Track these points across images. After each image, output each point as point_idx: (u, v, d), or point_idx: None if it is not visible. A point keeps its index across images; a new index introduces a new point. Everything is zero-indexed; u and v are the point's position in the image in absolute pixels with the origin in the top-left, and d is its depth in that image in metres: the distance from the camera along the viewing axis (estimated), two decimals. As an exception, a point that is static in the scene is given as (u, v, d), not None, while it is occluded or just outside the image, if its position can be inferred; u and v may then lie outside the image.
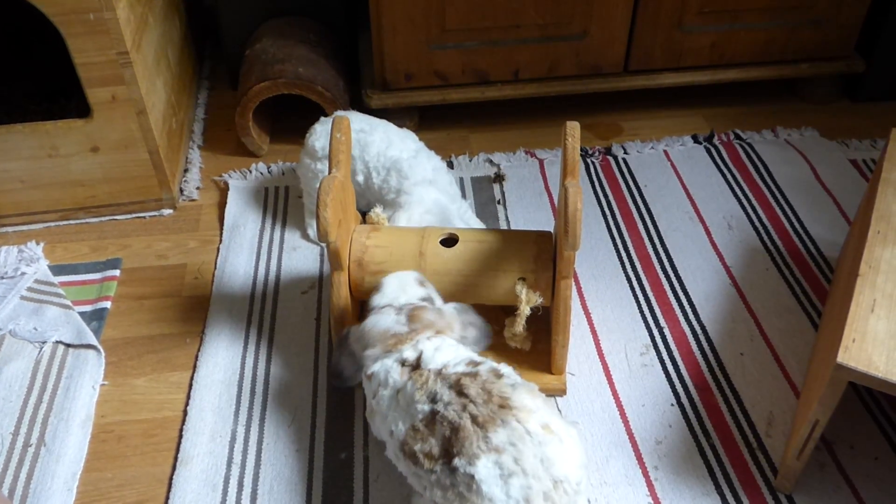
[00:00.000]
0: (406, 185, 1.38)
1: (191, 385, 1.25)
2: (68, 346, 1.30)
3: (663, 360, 1.27)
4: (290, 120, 1.75)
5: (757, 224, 1.52)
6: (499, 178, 1.64)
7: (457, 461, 0.87)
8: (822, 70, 1.76)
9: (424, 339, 0.99)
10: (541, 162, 1.68)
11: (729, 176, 1.63)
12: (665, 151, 1.70)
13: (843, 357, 0.92)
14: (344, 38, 1.83)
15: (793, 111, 1.82)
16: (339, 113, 1.47)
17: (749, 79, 1.75)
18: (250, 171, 1.66)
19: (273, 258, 1.46)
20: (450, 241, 1.20)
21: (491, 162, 1.68)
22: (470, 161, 1.68)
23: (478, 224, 1.46)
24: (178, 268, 1.46)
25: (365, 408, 1.04)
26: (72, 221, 1.55)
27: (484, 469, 0.86)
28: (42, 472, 1.13)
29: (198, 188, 1.63)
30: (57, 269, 1.44)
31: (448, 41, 1.61)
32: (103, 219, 1.56)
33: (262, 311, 1.36)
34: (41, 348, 1.29)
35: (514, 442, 0.87)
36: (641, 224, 1.52)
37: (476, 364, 0.96)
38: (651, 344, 1.30)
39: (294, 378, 1.25)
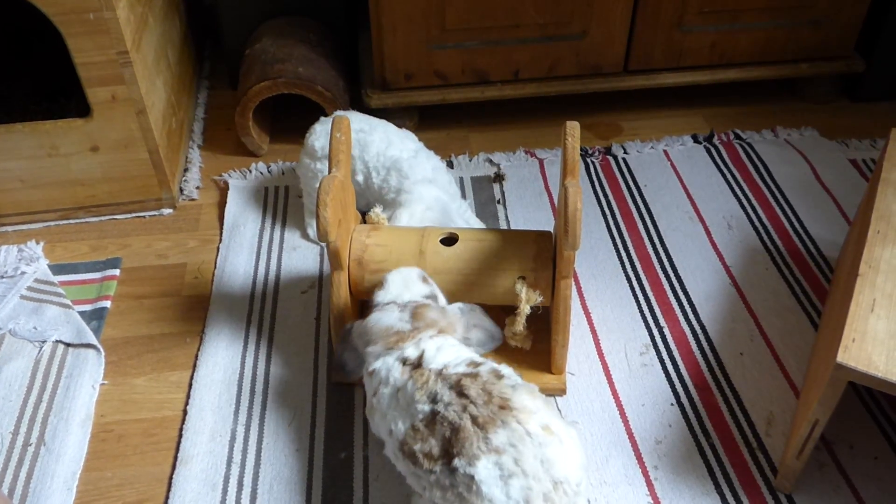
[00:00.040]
0: (406, 184, 1.38)
1: (190, 384, 1.25)
2: (68, 345, 1.30)
3: (663, 360, 1.27)
4: (290, 120, 1.75)
5: (757, 224, 1.52)
6: (499, 177, 1.64)
7: (457, 462, 0.87)
8: (822, 70, 1.76)
9: (427, 338, 0.99)
10: (541, 161, 1.68)
11: (729, 176, 1.63)
12: (665, 151, 1.70)
13: (842, 357, 0.92)
14: (344, 37, 1.83)
15: (793, 111, 1.82)
16: (339, 113, 1.47)
17: (749, 78, 1.75)
18: (250, 171, 1.66)
19: (273, 258, 1.46)
20: (450, 240, 1.20)
21: (491, 162, 1.68)
22: (470, 161, 1.68)
23: (478, 224, 1.46)
24: (177, 267, 1.46)
25: (365, 406, 1.04)
26: (72, 221, 1.55)
27: (484, 470, 0.86)
28: (42, 471, 1.13)
29: (198, 188, 1.63)
30: (57, 269, 1.44)
31: (448, 41, 1.61)
32: (103, 218, 1.56)
33: (262, 310, 1.36)
34: (41, 347, 1.29)
35: (515, 443, 0.86)
36: (641, 224, 1.52)
37: (477, 365, 0.96)
38: (651, 343, 1.30)
39: (294, 377, 1.25)
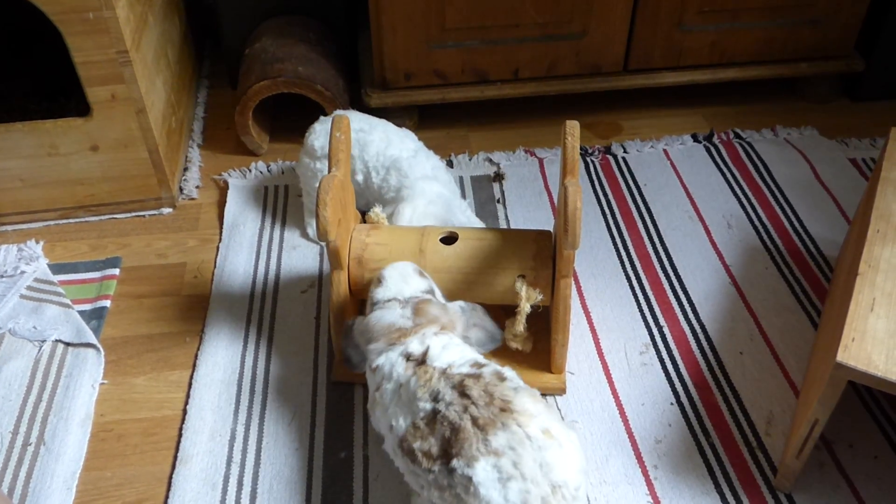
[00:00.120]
0: (407, 180, 1.38)
1: (190, 384, 1.25)
2: (68, 344, 1.30)
3: (663, 359, 1.27)
4: (290, 119, 1.75)
5: (756, 223, 1.52)
6: (498, 177, 1.64)
7: (455, 462, 0.87)
8: (822, 69, 1.76)
9: (431, 335, 0.99)
10: (540, 161, 1.68)
11: (728, 175, 1.63)
12: (665, 150, 1.70)
13: (842, 356, 0.92)
14: (344, 37, 1.83)
15: (792, 110, 1.82)
16: (339, 112, 1.47)
17: (749, 78, 1.75)
18: (250, 170, 1.66)
19: (273, 257, 1.46)
20: (449, 239, 1.20)
21: (490, 161, 1.68)
22: (469, 160, 1.68)
23: (477, 223, 1.46)
24: (177, 266, 1.46)
25: (366, 402, 1.04)
26: (71, 220, 1.55)
27: (482, 472, 0.86)
28: (41, 470, 1.13)
29: (197, 187, 1.63)
30: (56, 268, 1.44)
31: (448, 40, 1.61)
32: (103, 217, 1.56)
33: (262, 309, 1.36)
34: (41, 347, 1.29)
35: (514, 446, 0.86)
36: (641, 223, 1.52)
37: (480, 366, 0.95)
38: (650, 343, 1.30)
39: (293, 377, 1.25)
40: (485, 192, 1.60)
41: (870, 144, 1.70)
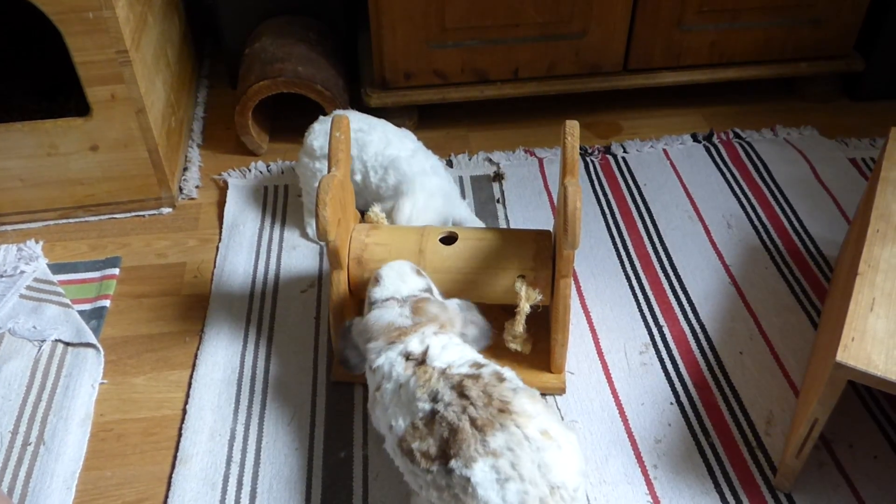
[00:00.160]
0: (405, 177, 1.37)
1: (190, 384, 1.25)
2: (67, 344, 1.30)
3: (662, 359, 1.27)
4: (290, 119, 1.75)
5: (756, 223, 1.52)
6: (498, 176, 1.64)
7: (453, 463, 0.87)
8: (822, 69, 1.76)
9: (431, 334, 0.99)
10: (540, 161, 1.68)
11: (728, 175, 1.63)
12: (664, 150, 1.70)
13: (842, 356, 0.92)
14: (343, 36, 1.83)
15: (792, 110, 1.82)
16: (338, 112, 1.47)
17: (748, 77, 1.75)
18: (249, 170, 1.66)
19: (272, 257, 1.46)
20: (449, 239, 1.20)
21: (490, 161, 1.68)
22: (469, 160, 1.68)
23: (477, 223, 1.45)
24: (177, 266, 1.46)
25: (365, 402, 1.04)
26: (71, 220, 1.55)
27: (480, 473, 0.85)
28: (41, 470, 1.13)
29: (197, 187, 1.63)
30: (56, 268, 1.44)
31: (447, 40, 1.61)
32: (102, 217, 1.56)
33: (262, 309, 1.36)
34: (40, 347, 1.29)
35: (512, 447, 0.86)
36: (641, 223, 1.52)
37: (480, 366, 0.95)
38: (650, 343, 1.30)
39: (293, 376, 1.25)
40: (485, 192, 1.60)
41: (870, 144, 1.70)
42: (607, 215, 1.54)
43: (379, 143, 1.42)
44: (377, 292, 1.06)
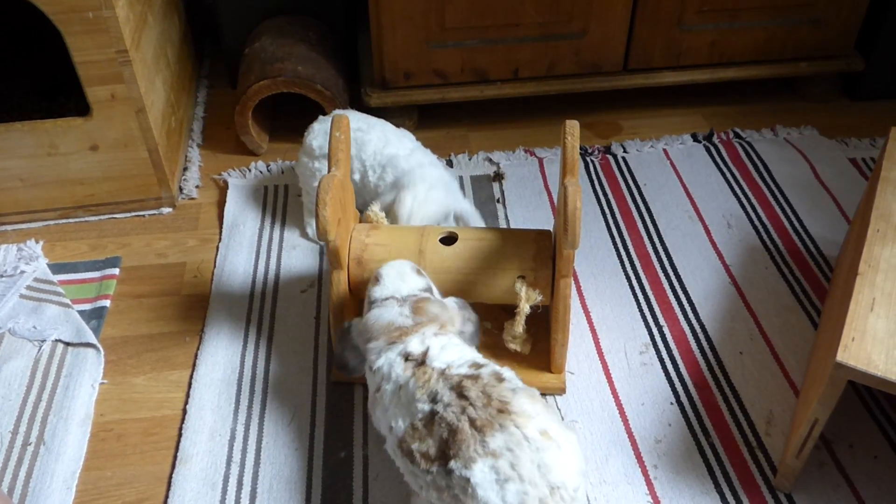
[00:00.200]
0: (407, 169, 1.37)
1: (190, 384, 1.25)
2: (67, 344, 1.30)
3: (662, 359, 1.27)
4: (290, 118, 1.75)
5: (756, 223, 1.52)
6: (498, 176, 1.64)
7: (453, 464, 0.87)
8: (822, 68, 1.76)
9: (431, 335, 0.99)
10: (540, 160, 1.68)
11: (728, 175, 1.63)
12: (664, 150, 1.70)
13: (842, 356, 0.92)
14: (343, 36, 1.83)
15: (792, 110, 1.82)
16: (338, 112, 1.47)
17: (748, 77, 1.75)
18: (249, 170, 1.66)
19: (272, 257, 1.46)
20: (449, 239, 1.20)
21: (490, 161, 1.68)
22: (469, 160, 1.68)
23: (478, 215, 1.45)
24: (177, 266, 1.46)
25: (365, 402, 1.04)
26: (71, 220, 1.55)
27: (480, 473, 0.85)
28: (41, 470, 1.12)
29: (197, 187, 1.63)
30: (56, 268, 1.44)
31: (447, 40, 1.61)
32: (102, 217, 1.56)
33: (262, 309, 1.36)
34: (40, 347, 1.29)
35: (512, 447, 0.86)
36: (641, 223, 1.52)
37: (479, 367, 0.95)
38: (650, 343, 1.30)
39: (293, 376, 1.25)
40: (485, 192, 1.60)
41: (870, 144, 1.70)
42: (607, 215, 1.54)
43: (377, 142, 1.42)
44: (377, 291, 1.06)
